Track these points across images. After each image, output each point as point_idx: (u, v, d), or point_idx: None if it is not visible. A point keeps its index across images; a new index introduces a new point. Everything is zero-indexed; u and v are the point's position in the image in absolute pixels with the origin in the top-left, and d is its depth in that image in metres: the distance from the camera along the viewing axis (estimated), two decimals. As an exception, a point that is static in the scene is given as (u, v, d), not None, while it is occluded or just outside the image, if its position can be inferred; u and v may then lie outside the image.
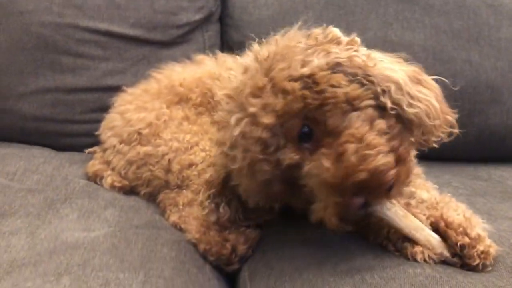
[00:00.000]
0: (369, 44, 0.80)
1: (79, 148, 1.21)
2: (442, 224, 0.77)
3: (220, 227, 0.87)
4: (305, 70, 0.70)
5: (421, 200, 0.84)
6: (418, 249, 0.76)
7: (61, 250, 0.77)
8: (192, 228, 0.89)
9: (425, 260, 0.75)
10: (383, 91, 0.73)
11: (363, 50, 0.77)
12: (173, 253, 0.82)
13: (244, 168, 0.73)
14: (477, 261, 0.74)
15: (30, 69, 1.20)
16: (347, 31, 0.79)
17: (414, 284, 0.68)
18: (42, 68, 1.20)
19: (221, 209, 0.86)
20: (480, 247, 0.74)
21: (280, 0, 1.34)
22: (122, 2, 1.23)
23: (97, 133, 1.12)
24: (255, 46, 0.78)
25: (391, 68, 0.76)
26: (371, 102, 0.72)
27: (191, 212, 0.92)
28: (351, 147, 0.67)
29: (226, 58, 1.13)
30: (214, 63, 1.13)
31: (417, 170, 0.94)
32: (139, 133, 1.01)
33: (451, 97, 1.25)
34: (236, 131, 0.71)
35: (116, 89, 1.16)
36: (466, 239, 0.74)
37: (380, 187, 0.68)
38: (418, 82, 0.78)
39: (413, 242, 0.77)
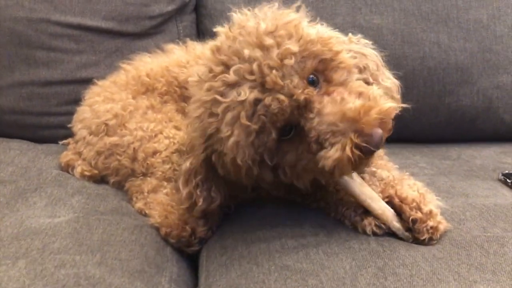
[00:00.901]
0: (338, 29, 0.83)
1: (56, 140, 1.23)
2: (396, 200, 0.79)
3: (204, 215, 0.87)
4: (314, 31, 0.75)
5: (380, 179, 0.87)
6: (367, 221, 0.79)
7: (23, 235, 0.80)
8: (155, 213, 0.91)
9: (373, 232, 0.78)
10: (364, 68, 0.81)
11: None
12: (133, 237, 0.85)
13: (246, 106, 0.70)
14: (425, 235, 0.76)
15: (5, 64, 1.23)
16: (316, 16, 0.81)
17: (356, 258, 0.70)
18: (16, 62, 1.23)
19: (213, 194, 0.84)
20: (430, 223, 0.76)
21: (251, -13, 1.36)
22: (93, -5, 1.26)
23: (69, 125, 1.15)
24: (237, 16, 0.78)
25: (366, 49, 0.84)
26: (359, 75, 0.79)
27: (155, 198, 0.95)
28: (371, 88, 0.75)
29: (195, 46, 1.15)
30: (183, 51, 1.15)
31: (380, 151, 0.97)
32: (106, 124, 1.03)
33: (421, 78, 1.28)
34: (246, 64, 0.70)
35: (90, 81, 1.18)
36: (419, 214, 0.76)
37: (390, 123, 0.72)
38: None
39: (363, 216, 0.80)
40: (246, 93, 0.69)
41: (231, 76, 0.71)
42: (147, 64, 1.13)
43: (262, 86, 0.70)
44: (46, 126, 1.27)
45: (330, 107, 0.71)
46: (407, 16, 1.28)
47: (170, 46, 1.18)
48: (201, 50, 1.11)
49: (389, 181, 0.85)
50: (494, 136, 1.34)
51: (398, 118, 0.76)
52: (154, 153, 0.99)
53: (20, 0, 1.21)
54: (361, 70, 0.82)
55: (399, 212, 0.79)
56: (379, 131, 0.69)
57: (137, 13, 1.29)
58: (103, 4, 1.26)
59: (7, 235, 0.80)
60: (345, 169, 0.71)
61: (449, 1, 1.29)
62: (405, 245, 0.75)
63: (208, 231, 0.88)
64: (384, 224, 0.78)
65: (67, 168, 1.08)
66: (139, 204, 0.96)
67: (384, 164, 0.95)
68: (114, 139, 1.02)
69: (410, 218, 0.76)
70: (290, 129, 0.74)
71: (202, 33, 1.40)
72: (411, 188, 0.82)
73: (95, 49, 1.28)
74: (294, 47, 0.70)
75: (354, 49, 0.82)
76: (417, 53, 1.27)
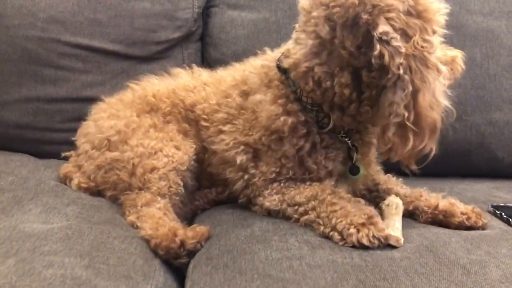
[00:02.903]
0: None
1: (58, 156, 1.26)
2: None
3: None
4: None
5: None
6: (363, 232, 0.81)
7: (15, 238, 0.81)
8: (146, 225, 0.93)
9: (370, 242, 0.80)
10: None
11: None
12: (123, 246, 0.86)
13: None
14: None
15: (13, 80, 1.28)
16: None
17: (338, 271, 0.71)
18: (25, 78, 1.29)
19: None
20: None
21: (255, 20, 1.41)
22: (103, 20, 1.32)
23: (73, 139, 1.18)
24: None
25: None
26: None
27: (148, 211, 0.97)
28: None
29: (201, 72, 1.20)
30: (190, 76, 1.19)
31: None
32: (109, 140, 1.07)
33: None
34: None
35: (95, 100, 1.23)
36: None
37: None
38: None
39: (360, 227, 0.82)
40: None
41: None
42: (154, 85, 1.17)
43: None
44: (48, 142, 1.31)
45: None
46: (403, 51, 1.32)
47: (177, 70, 1.22)
48: (206, 76, 1.16)
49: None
50: (488, 173, 1.36)
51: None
52: (152, 169, 1.02)
53: (33, 20, 1.28)
54: None
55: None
56: None
57: (144, 38, 1.35)
58: (112, 28, 1.32)
59: (-1, 236, 0.82)
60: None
61: (444, 39, 1.33)
62: (387, 261, 0.76)
63: (196, 244, 0.89)
64: (383, 237, 0.81)
65: (65, 180, 1.11)
66: (131, 217, 0.98)
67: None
68: (115, 154, 1.05)
69: None
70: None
71: (206, 61, 1.45)
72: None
73: (101, 70, 1.33)
74: None
75: None
76: (412, 87, 1.31)
